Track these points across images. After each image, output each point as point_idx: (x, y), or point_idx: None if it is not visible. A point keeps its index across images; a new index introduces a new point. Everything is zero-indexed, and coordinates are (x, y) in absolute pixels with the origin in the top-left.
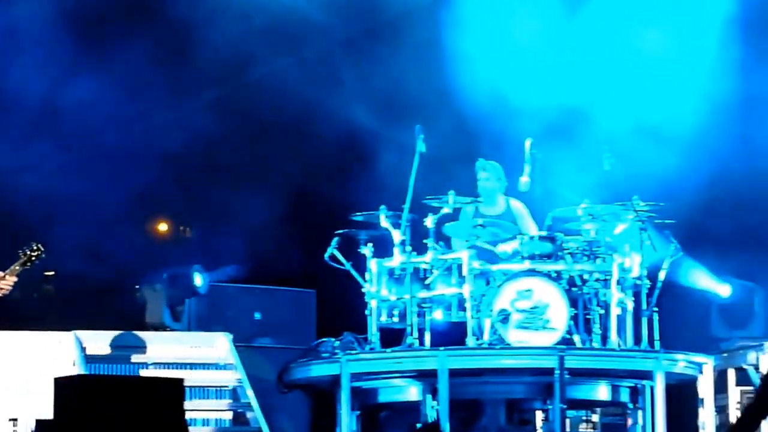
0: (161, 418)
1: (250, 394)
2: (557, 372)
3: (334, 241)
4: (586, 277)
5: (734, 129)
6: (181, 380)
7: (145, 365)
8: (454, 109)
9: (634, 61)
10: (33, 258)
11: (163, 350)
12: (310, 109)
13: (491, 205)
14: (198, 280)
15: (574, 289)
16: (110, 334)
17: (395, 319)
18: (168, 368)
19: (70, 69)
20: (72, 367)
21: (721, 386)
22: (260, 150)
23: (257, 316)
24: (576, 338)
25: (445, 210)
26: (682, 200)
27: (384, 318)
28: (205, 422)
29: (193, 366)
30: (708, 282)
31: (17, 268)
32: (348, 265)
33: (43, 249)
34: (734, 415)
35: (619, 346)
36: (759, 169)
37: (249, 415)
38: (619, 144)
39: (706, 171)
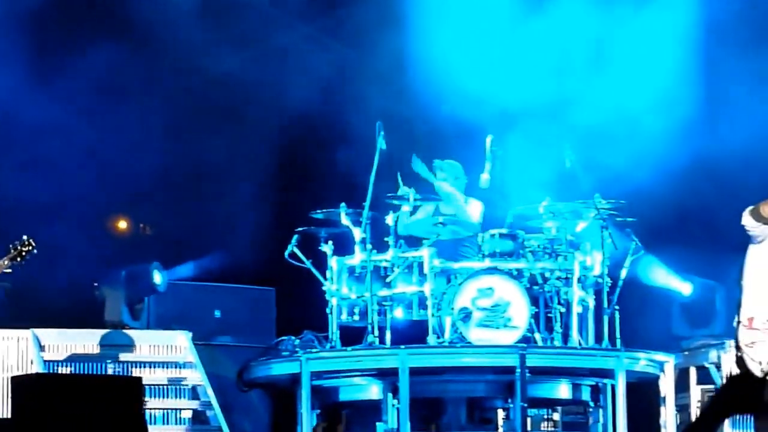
0: (120, 417)
1: (210, 393)
2: (518, 370)
3: (294, 238)
4: (547, 275)
5: (697, 127)
6: (139, 379)
7: (104, 364)
8: (414, 106)
9: (598, 57)
10: (23, 253)
11: (122, 349)
12: (270, 106)
13: (448, 204)
14: (157, 277)
15: (535, 287)
16: (69, 333)
17: (356, 318)
18: (127, 366)
19: (19, 69)
20: (30, 365)
21: (682, 385)
22: (220, 148)
23: (217, 314)
24: (537, 336)
25: (406, 208)
26: (643, 198)
27: (344, 316)
28: (165, 421)
29: (152, 364)
30: (669, 280)
31: (6, 262)
32: (308, 263)
33: (34, 244)
34: (695, 413)
35: (580, 344)
36: (720, 167)
37: (209, 413)
38: (581, 141)
39: (667, 169)
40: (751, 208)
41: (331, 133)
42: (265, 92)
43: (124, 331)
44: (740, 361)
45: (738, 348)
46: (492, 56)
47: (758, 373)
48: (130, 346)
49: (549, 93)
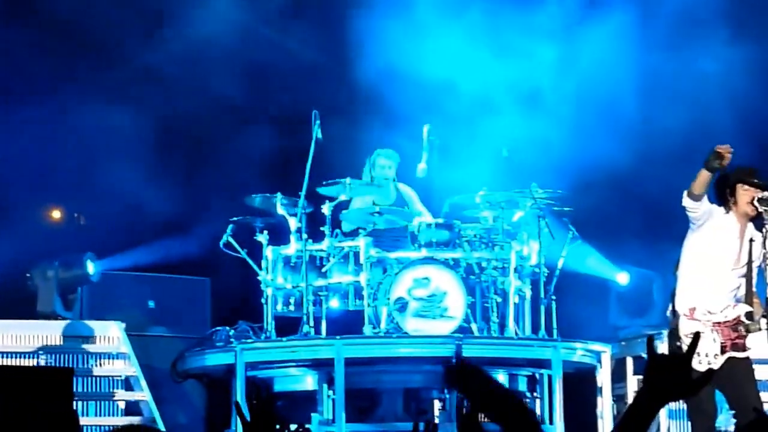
0: (50, 408)
1: (143, 384)
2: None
3: (229, 228)
4: (483, 264)
5: (633, 116)
6: (71, 369)
7: (35, 354)
8: (352, 95)
9: (534, 44)
10: None
11: (54, 339)
12: (203, 95)
13: (387, 193)
14: (90, 267)
15: (471, 277)
16: (0, 323)
17: (291, 308)
18: (59, 357)
19: None
20: None
21: (619, 375)
22: (155, 137)
23: (151, 304)
24: (473, 327)
25: (342, 197)
26: (580, 187)
27: (280, 306)
28: (97, 412)
29: (85, 355)
30: (606, 270)
31: None
32: (243, 253)
33: None
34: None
35: (516, 334)
36: (657, 157)
37: (142, 405)
38: (517, 130)
39: (605, 158)
40: (687, 189)
41: (265, 122)
42: (195, 81)
43: (57, 321)
44: (677, 350)
45: (677, 338)
46: (430, 44)
47: (696, 366)
48: (62, 336)
49: (486, 82)
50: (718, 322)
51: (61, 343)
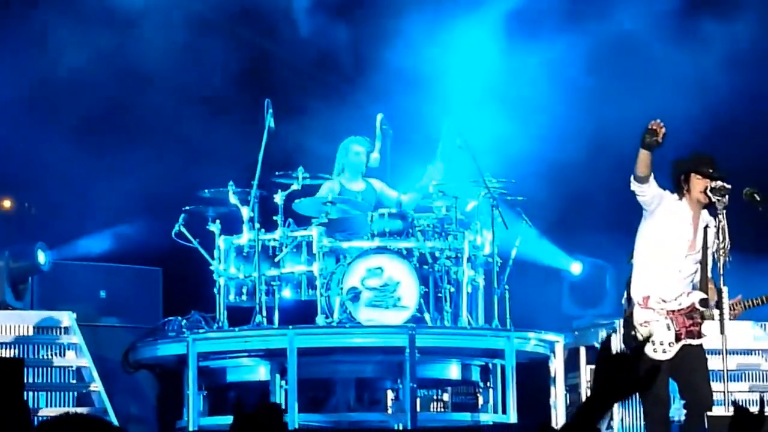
0: (0, 399)
1: (95, 375)
2: (408, 351)
3: (181, 217)
4: (437, 254)
5: (584, 106)
6: (21, 360)
7: None
8: (307, 84)
9: (487, 34)
10: None
11: (5, 329)
12: (157, 83)
13: (356, 182)
14: (41, 257)
15: (425, 266)
16: None
17: (244, 298)
18: (9, 348)
19: None
20: None
21: (572, 365)
22: (106, 126)
23: (102, 294)
24: (427, 316)
25: (294, 186)
26: (533, 177)
27: (232, 296)
28: (49, 403)
29: (35, 345)
30: (559, 260)
31: None
32: (195, 243)
33: None
34: (585, 394)
35: (470, 324)
36: (608, 148)
37: (93, 395)
38: (470, 120)
39: (557, 148)
40: (633, 173)
41: (218, 111)
42: (152, 69)
43: (7, 311)
44: (631, 339)
45: (631, 326)
46: (382, 33)
47: (651, 354)
48: (12, 326)
49: (439, 69)
50: (673, 310)
51: (12, 333)
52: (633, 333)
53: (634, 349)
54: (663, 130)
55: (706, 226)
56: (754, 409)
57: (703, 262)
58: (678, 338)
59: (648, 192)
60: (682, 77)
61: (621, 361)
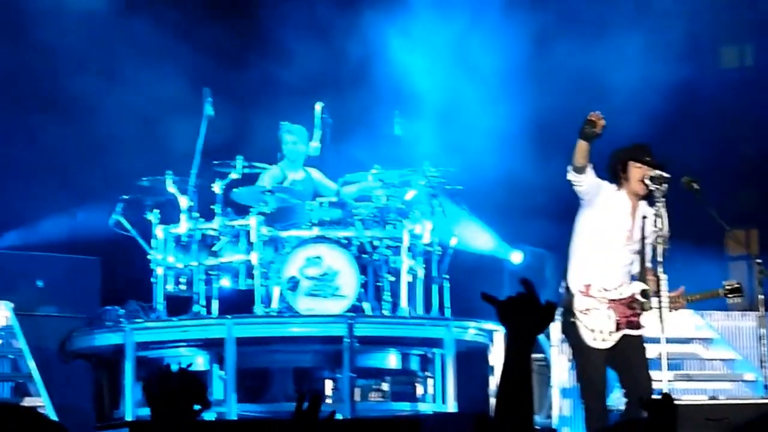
0: None
1: (32, 365)
2: (346, 340)
3: (119, 206)
4: (376, 243)
5: (524, 95)
6: None
7: None
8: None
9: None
10: None
11: None
12: (95, 72)
13: (296, 170)
14: None
15: (364, 255)
16: None
17: (182, 287)
18: None
19: None
20: None
21: None
22: (42, 113)
23: (40, 284)
24: (366, 306)
25: (234, 175)
26: (473, 166)
27: (170, 286)
28: None
29: None
30: (499, 248)
31: None
32: (133, 232)
33: None
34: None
35: (409, 313)
36: (547, 136)
37: (30, 385)
38: (410, 108)
39: (496, 136)
40: (570, 162)
41: (158, 100)
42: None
43: None
44: (571, 327)
45: (571, 314)
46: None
47: (590, 342)
48: None
49: (378, 58)
50: (613, 300)
51: None
52: (573, 320)
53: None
54: (602, 121)
55: (644, 216)
56: (691, 397)
57: (641, 253)
58: (618, 327)
59: (585, 182)
60: (625, 65)
61: (519, 301)
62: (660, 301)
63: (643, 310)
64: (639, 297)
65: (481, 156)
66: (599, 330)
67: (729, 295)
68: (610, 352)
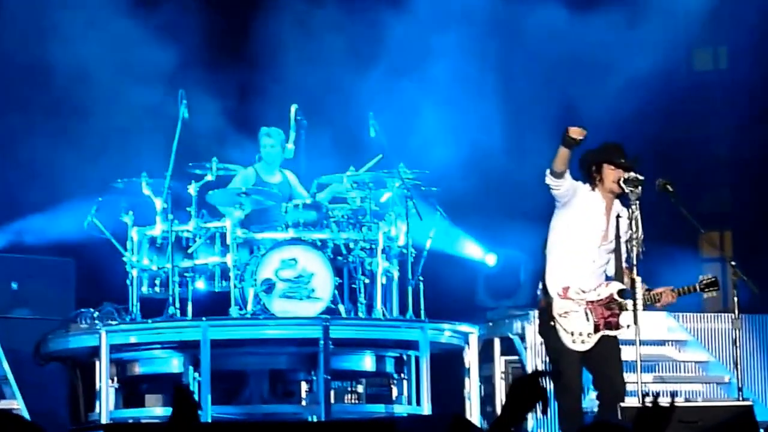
0: None
1: (6, 367)
2: (322, 342)
3: (93, 208)
4: (351, 245)
5: (500, 96)
6: None
7: None
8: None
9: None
10: None
11: None
12: (69, 72)
13: (272, 173)
14: None
15: (339, 258)
16: None
17: (157, 289)
18: None
19: None
20: None
21: (486, 356)
22: (19, 116)
23: (14, 286)
24: (341, 308)
25: (209, 177)
26: (447, 168)
27: (145, 288)
28: None
29: None
30: (474, 251)
31: None
32: (108, 234)
33: None
34: (500, 385)
35: (384, 315)
36: (524, 137)
37: (5, 388)
38: (386, 110)
39: (470, 138)
40: (549, 167)
41: (132, 99)
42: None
43: None
44: (550, 330)
45: (550, 317)
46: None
47: (569, 345)
48: None
49: (354, 64)
50: (591, 301)
51: None
52: (552, 324)
53: (552, 374)
54: (584, 134)
55: (618, 216)
56: (666, 399)
57: (617, 252)
58: (597, 329)
59: (563, 186)
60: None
61: (531, 383)
62: (634, 304)
63: (621, 310)
64: (617, 297)
65: (456, 158)
66: (578, 332)
67: (706, 290)
68: (586, 353)
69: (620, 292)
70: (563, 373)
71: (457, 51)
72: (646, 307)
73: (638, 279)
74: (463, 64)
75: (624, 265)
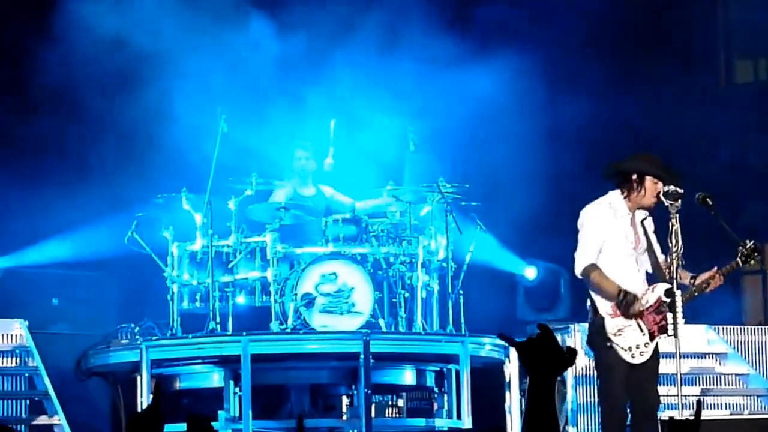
0: None
1: (47, 382)
2: (362, 357)
3: (134, 224)
4: (391, 259)
5: (541, 106)
6: None
7: None
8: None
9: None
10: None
11: None
12: (109, 88)
13: (306, 186)
14: None
15: (379, 272)
16: None
17: (197, 304)
18: None
19: None
20: None
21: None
22: (57, 129)
23: (55, 301)
24: (381, 322)
25: (248, 192)
26: (487, 182)
27: (186, 303)
28: (0, 411)
29: None
30: (514, 265)
31: None
32: (148, 249)
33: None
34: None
35: (424, 329)
36: (562, 153)
37: (46, 403)
38: (424, 125)
39: (510, 151)
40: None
41: (172, 116)
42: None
43: None
44: (607, 351)
45: (605, 339)
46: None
47: (630, 360)
48: None
49: (392, 76)
50: (641, 311)
51: None
52: (609, 345)
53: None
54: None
55: (643, 220)
56: (708, 412)
57: (650, 251)
58: (652, 337)
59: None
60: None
61: (537, 343)
62: (674, 317)
63: (672, 310)
64: (664, 298)
65: (496, 171)
66: (635, 346)
67: (748, 260)
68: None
69: (667, 292)
70: (613, 392)
71: (498, 65)
72: (686, 320)
73: (678, 292)
74: (505, 78)
75: (660, 259)
